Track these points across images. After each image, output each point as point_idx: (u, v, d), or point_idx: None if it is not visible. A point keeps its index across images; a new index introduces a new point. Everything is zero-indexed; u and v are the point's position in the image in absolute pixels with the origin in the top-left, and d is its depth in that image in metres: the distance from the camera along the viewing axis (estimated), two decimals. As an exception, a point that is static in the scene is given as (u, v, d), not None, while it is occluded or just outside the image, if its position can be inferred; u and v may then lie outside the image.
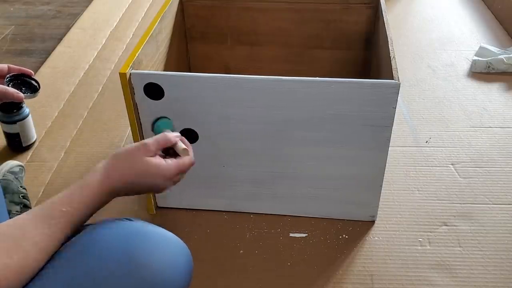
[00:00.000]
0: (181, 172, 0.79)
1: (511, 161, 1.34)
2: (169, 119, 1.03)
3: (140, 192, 0.76)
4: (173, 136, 0.81)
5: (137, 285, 0.63)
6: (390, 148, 1.05)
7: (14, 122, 1.34)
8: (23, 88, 0.99)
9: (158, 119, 1.03)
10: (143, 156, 0.74)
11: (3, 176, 1.19)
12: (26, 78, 1.00)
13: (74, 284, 0.61)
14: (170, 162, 0.77)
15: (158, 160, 0.75)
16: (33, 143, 1.41)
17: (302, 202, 1.15)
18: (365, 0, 1.31)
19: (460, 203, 1.22)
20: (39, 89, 1.01)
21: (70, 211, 0.65)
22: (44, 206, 0.65)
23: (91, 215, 0.69)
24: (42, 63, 1.83)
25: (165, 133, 0.80)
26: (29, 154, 1.39)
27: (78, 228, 0.67)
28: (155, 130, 1.03)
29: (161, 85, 1.00)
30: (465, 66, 1.75)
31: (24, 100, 0.97)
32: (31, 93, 1.00)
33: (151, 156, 0.75)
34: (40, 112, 1.55)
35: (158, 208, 1.21)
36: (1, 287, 0.55)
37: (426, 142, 1.41)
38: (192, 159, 0.81)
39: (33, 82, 1.01)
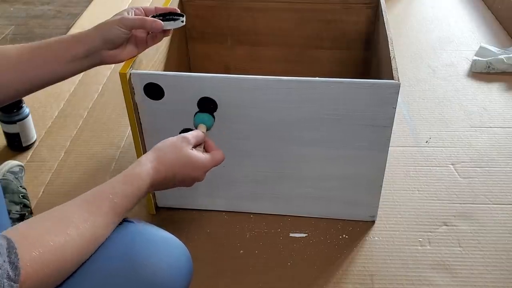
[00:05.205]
0: (215, 165, 0.85)
1: (511, 161, 1.34)
2: (209, 114, 1.00)
3: (175, 185, 0.79)
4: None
5: (137, 287, 0.63)
6: (390, 148, 1.05)
7: (14, 122, 1.34)
8: (164, 22, 0.96)
9: (199, 111, 1.00)
10: (186, 148, 0.79)
11: (3, 176, 1.20)
12: (174, 16, 0.99)
13: (74, 284, 0.61)
14: (207, 155, 0.83)
15: (197, 152, 0.81)
16: (33, 143, 1.41)
17: (302, 202, 1.15)
18: (365, 0, 1.31)
19: (460, 203, 1.22)
20: (183, 17, 0.99)
21: (112, 198, 0.66)
22: (89, 192, 0.66)
23: (134, 205, 0.70)
24: (42, 63, 1.83)
25: (199, 130, 0.89)
26: (29, 154, 1.39)
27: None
28: (194, 120, 1.01)
29: (161, 85, 1.00)
30: (465, 66, 1.75)
31: (165, 29, 0.96)
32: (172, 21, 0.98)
33: (191, 149, 0.80)
34: (40, 112, 1.55)
35: (158, 208, 1.21)
36: (37, 263, 0.55)
37: (426, 142, 1.41)
38: (224, 155, 0.87)
39: (181, 18, 0.99)
